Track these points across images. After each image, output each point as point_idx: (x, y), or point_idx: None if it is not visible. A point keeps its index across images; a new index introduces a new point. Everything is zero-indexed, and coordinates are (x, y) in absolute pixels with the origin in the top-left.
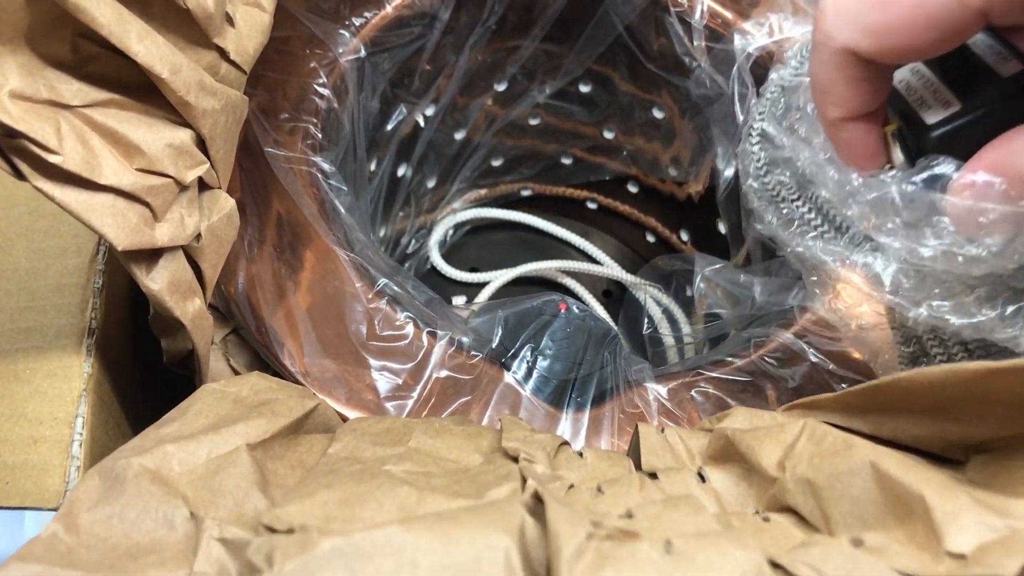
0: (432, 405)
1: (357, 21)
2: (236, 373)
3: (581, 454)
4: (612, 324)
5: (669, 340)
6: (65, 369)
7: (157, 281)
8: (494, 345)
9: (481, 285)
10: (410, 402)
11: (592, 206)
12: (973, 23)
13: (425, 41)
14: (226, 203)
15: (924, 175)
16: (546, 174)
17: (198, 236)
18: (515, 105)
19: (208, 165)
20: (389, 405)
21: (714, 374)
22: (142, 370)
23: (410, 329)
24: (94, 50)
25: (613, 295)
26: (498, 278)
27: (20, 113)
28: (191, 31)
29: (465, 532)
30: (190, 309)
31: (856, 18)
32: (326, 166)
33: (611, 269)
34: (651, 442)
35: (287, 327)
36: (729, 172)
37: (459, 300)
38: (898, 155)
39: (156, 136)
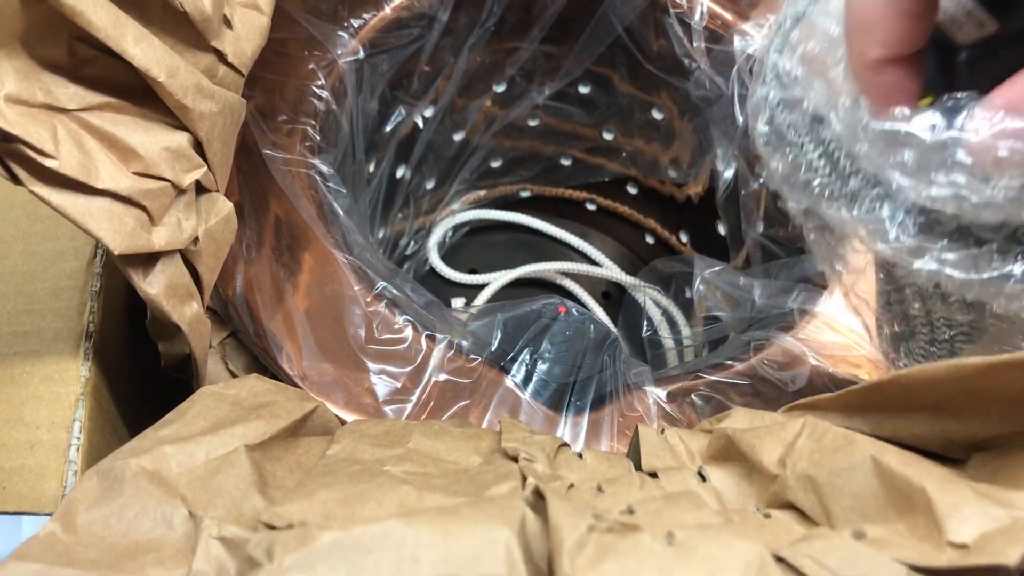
0: (431, 409)
1: (355, 23)
2: (234, 376)
3: (581, 455)
4: (611, 326)
5: (668, 342)
6: (62, 373)
7: (154, 285)
8: (493, 348)
9: (480, 287)
10: (409, 405)
11: (591, 207)
12: None
13: (424, 42)
14: (224, 206)
15: (944, 107)
16: (545, 175)
17: (195, 240)
18: (514, 106)
19: (205, 168)
20: (388, 409)
21: (713, 377)
22: (140, 374)
23: (409, 332)
24: (90, 53)
25: (612, 296)
26: (497, 280)
27: (16, 117)
28: (188, 34)
29: (465, 526)
30: (187, 313)
31: None
32: (324, 168)
33: (610, 271)
34: (651, 443)
35: (285, 330)
36: (729, 173)
37: (458, 302)
38: None
39: (153, 140)
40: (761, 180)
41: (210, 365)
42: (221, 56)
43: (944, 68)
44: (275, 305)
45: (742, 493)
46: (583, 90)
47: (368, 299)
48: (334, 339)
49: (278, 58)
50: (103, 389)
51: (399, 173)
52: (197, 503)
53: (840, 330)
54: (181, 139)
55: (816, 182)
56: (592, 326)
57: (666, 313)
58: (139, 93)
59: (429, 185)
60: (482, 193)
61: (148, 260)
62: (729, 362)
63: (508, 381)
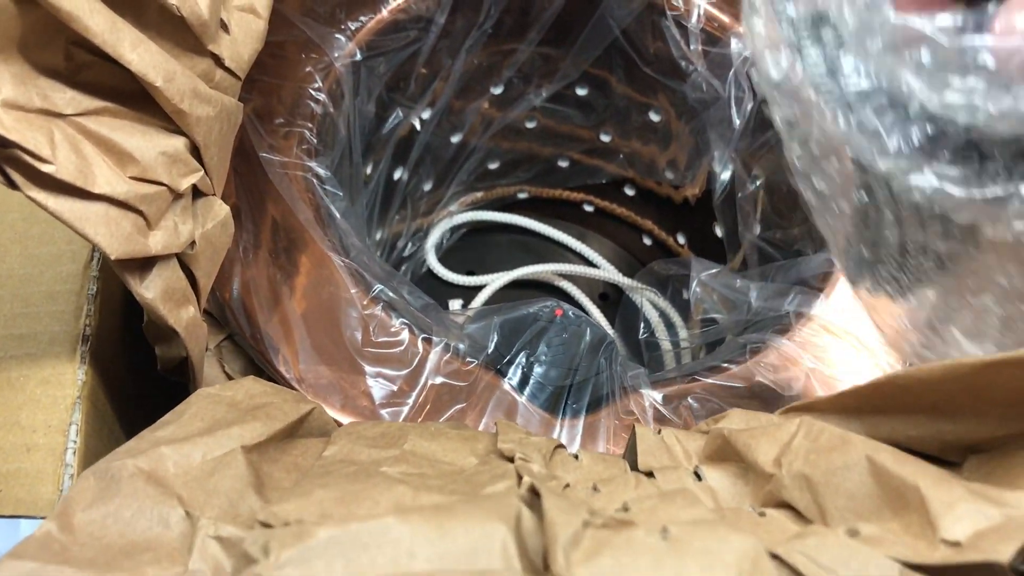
0: (427, 412)
1: (353, 25)
2: (231, 379)
3: (577, 456)
4: (608, 328)
5: (666, 344)
6: (59, 376)
7: (151, 289)
8: (490, 351)
9: (478, 288)
10: (405, 408)
11: (589, 209)
12: None
13: (421, 45)
14: (220, 210)
15: (971, 9)
16: (543, 177)
17: (192, 244)
18: (511, 108)
19: (202, 173)
20: (384, 412)
21: (710, 380)
22: (136, 377)
23: (405, 335)
24: (87, 58)
25: (610, 298)
26: (495, 281)
27: (13, 123)
28: (185, 38)
29: (461, 522)
30: (184, 317)
31: None
32: (321, 171)
33: (608, 272)
34: (648, 442)
35: (282, 333)
36: (726, 176)
37: (455, 303)
38: None
39: (150, 144)
40: (758, 183)
41: (207, 368)
42: (218, 60)
43: None
44: (272, 308)
45: (738, 492)
46: (580, 92)
47: (365, 302)
48: (331, 342)
49: (275, 61)
50: (100, 392)
51: (396, 175)
52: (194, 503)
53: (836, 333)
54: (178, 143)
55: (810, 86)
56: (588, 329)
57: (663, 315)
58: (136, 98)
59: (427, 187)
60: (480, 195)
61: (145, 264)
62: (725, 365)
63: (504, 384)
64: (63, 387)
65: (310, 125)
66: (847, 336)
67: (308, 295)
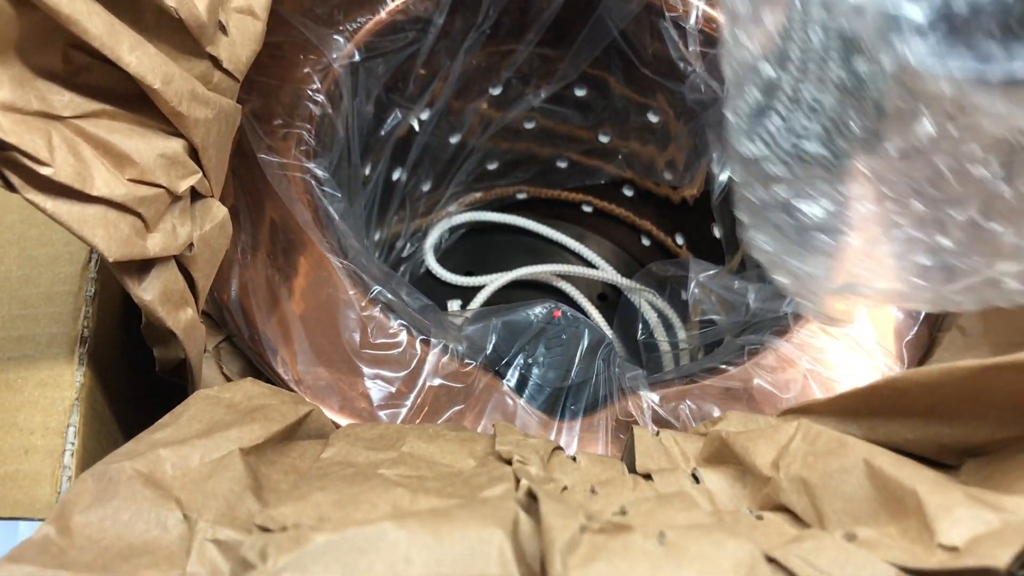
0: (426, 413)
1: (351, 26)
2: (229, 381)
3: (575, 458)
4: (607, 328)
5: (664, 346)
6: (57, 378)
7: (149, 291)
8: (488, 353)
9: (476, 288)
10: (403, 410)
11: (587, 209)
12: None
13: (420, 45)
14: (219, 212)
15: None
16: (541, 177)
17: (190, 246)
18: (510, 109)
19: (200, 175)
20: (382, 413)
21: (708, 382)
22: (134, 379)
23: (404, 337)
24: (86, 61)
25: (608, 299)
26: (493, 282)
27: (11, 125)
28: (183, 40)
29: (458, 527)
30: (182, 319)
31: None
32: (320, 172)
33: (606, 273)
34: (646, 444)
35: (280, 334)
36: (724, 176)
37: (454, 304)
38: None
39: (148, 146)
40: None
41: (205, 369)
42: (216, 62)
43: None
44: (270, 309)
45: (735, 495)
46: (579, 93)
47: (363, 303)
48: (329, 343)
49: (274, 62)
50: (98, 394)
51: (395, 176)
52: (191, 506)
53: (834, 335)
54: (176, 145)
55: None
56: (587, 330)
57: (662, 316)
58: (134, 100)
59: (425, 187)
60: (478, 195)
61: (143, 266)
62: (723, 366)
63: (503, 385)
64: (61, 389)
65: (308, 126)
66: (845, 338)
67: (306, 296)
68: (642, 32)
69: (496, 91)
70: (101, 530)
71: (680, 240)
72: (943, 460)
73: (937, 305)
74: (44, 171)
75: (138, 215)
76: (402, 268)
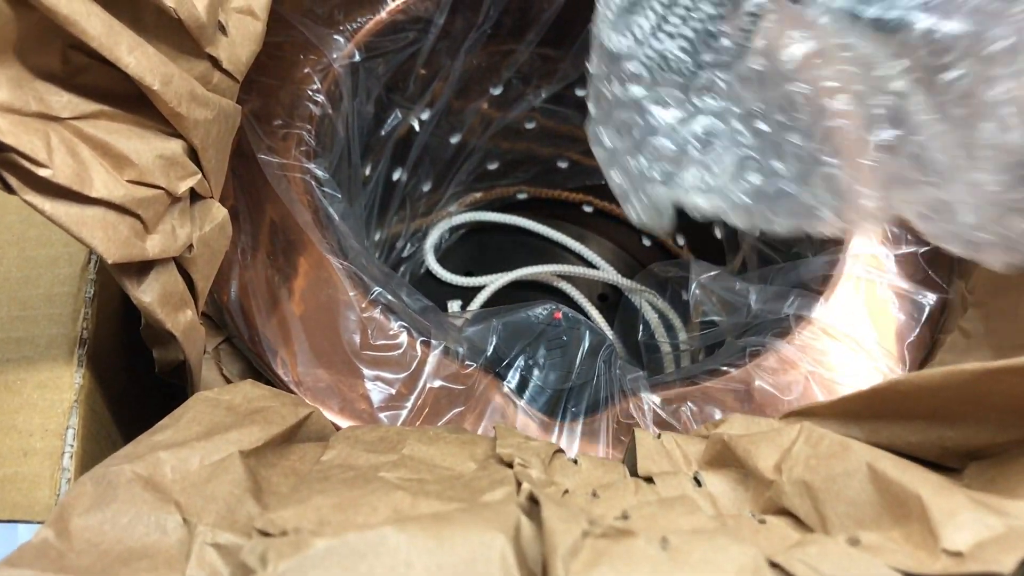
0: (426, 415)
1: (351, 26)
2: (229, 382)
3: (576, 461)
4: (608, 329)
5: (665, 347)
6: (56, 380)
7: (148, 293)
8: (488, 354)
9: (477, 289)
10: (404, 412)
11: (588, 209)
12: None
13: (420, 45)
14: (218, 213)
15: None
16: (542, 177)
17: (190, 247)
18: (511, 109)
19: (200, 176)
20: (382, 415)
21: (709, 383)
22: (134, 380)
23: (404, 338)
24: (84, 61)
25: (609, 299)
26: (494, 282)
27: (9, 127)
28: (183, 41)
29: (459, 532)
30: (182, 320)
31: None
32: (320, 173)
33: (607, 273)
34: (647, 447)
35: (280, 336)
36: None
37: (454, 304)
38: None
39: (147, 147)
40: None
41: (205, 371)
42: (216, 63)
43: None
44: (270, 310)
45: (738, 498)
46: (580, 93)
47: (363, 304)
48: (329, 345)
49: (274, 62)
50: (97, 396)
51: (395, 176)
52: (191, 509)
53: (836, 336)
54: (175, 146)
55: None
56: (588, 332)
57: (663, 317)
58: (133, 101)
59: (425, 187)
60: (479, 195)
61: (142, 268)
62: (725, 368)
63: (503, 387)
64: (60, 391)
65: (309, 126)
66: (847, 339)
67: (306, 298)
68: None
69: (497, 91)
70: (100, 534)
71: (681, 241)
72: (945, 463)
73: (750, 223)
74: (43, 172)
75: (137, 216)
76: (402, 268)
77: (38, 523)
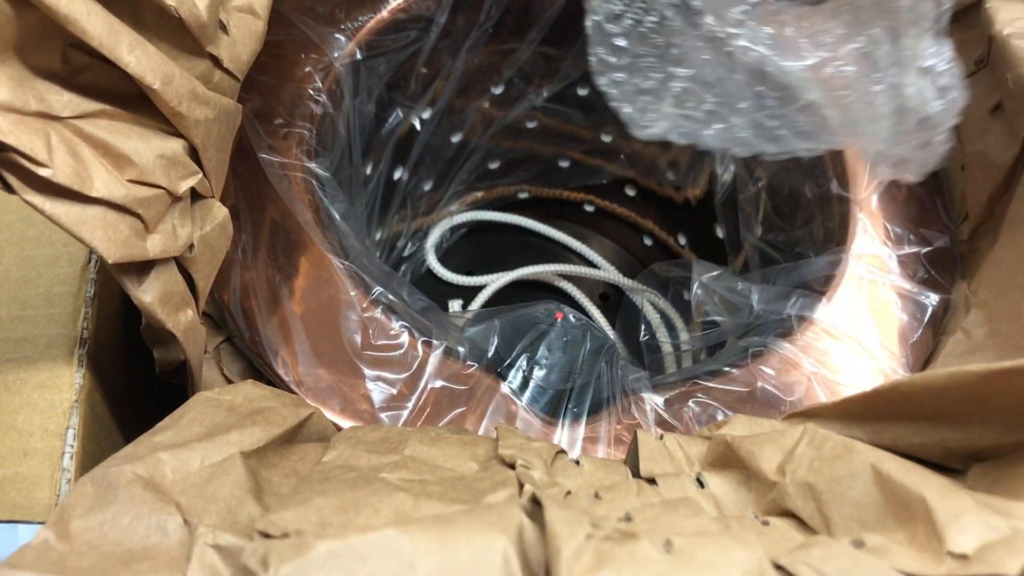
0: (427, 415)
1: (352, 25)
2: (229, 382)
3: (578, 462)
4: (609, 329)
5: (667, 347)
6: (56, 380)
7: (149, 293)
8: (490, 354)
9: (478, 288)
10: (405, 412)
11: (589, 209)
12: None
13: (421, 44)
14: (219, 212)
15: None
16: (543, 177)
17: (190, 247)
18: (512, 108)
19: (201, 175)
20: (384, 415)
21: (711, 384)
22: (134, 380)
23: (405, 338)
24: (85, 60)
25: (610, 299)
26: (495, 281)
27: (9, 126)
28: (184, 40)
29: (462, 534)
30: (182, 320)
31: None
32: (321, 172)
33: (608, 273)
34: (650, 448)
35: (281, 336)
36: (727, 177)
37: (455, 303)
38: None
39: (148, 147)
40: (760, 184)
41: (205, 371)
42: (216, 62)
43: None
44: (271, 310)
45: (740, 500)
46: (581, 92)
47: (364, 304)
48: (330, 345)
49: (274, 61)
50: (97, 396)
51: (396, 175)
52: (192, 510)
53: (838, 337)
54: (176, 146)
55: None
56: (589, 332)
57: (664, 317)
58: (134, 100)
59: (427, 187)
60: (480, 194)
61: (143, 268)
62: (727, 368)
63: (505, 388)
64: (60, 391)
65: (309, 125)
66: (849, 340)
67: (307, 297)
68: None
69: (498, 90)
70: (100, 535)
71: (683, 240)
72: (949, 464)
73: (691, 139)
74: (43, 172)
75: (138, 216)
76: (403, 268)
77: (38, 524)
